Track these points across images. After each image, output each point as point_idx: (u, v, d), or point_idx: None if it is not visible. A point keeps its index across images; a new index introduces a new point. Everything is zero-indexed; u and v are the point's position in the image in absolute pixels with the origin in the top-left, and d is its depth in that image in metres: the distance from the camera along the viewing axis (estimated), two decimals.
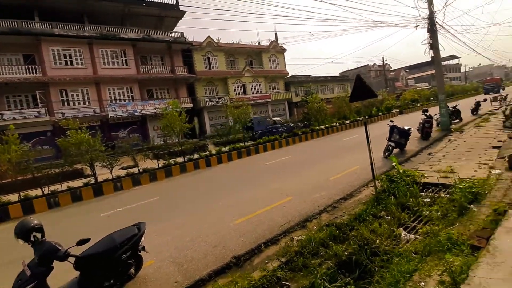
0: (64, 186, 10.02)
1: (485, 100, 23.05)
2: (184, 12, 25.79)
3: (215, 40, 28.94)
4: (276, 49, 33.93)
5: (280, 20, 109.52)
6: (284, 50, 34.72)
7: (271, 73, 33.06)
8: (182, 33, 26.18)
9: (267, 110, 32.23)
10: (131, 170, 11.84)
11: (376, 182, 5.87)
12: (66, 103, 20.58)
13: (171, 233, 5.49)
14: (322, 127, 21.89)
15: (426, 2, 13.56)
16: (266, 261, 4.01)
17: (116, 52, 22.64)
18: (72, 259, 3.06)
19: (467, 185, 4.99)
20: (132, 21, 24.34)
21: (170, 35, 25.89)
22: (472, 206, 4.32)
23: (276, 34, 34.82)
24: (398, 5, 24.20)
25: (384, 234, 4.21)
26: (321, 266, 3.58)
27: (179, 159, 13.36)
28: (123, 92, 23.02)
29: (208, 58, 28.40)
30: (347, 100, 22.38)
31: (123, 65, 22.92)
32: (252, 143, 16.74)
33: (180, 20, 27.65)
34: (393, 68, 63.87)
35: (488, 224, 3.22)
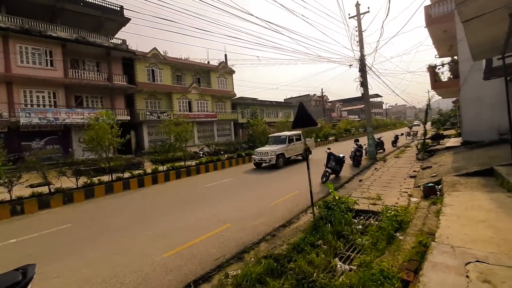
0: None
1: (402, 134, 27.25)
2: (128, 19, 24.23)
3: (162, 53, 27.79)
4: (225, 70, 34.38)
5: (229, 41, 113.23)
6: (233, 71, 35.40)
7: (218, 92, 33.06)
8: (124, 41, 24.37)
9: (213, 129, 31.71)
10: (39, 189, 9.75)
11: (314, 209, 5.90)
12: None
13: (77, 273, 4.42)
14: None
15: (358, 46, 15.66)
16: None
17: (39, 50, 19.53)
18: None
19: (392, 213, 5.35)
20: (65, 18, 21.66)
21: (110, 41, 23.77)
22: (397, 234, 4.56)
23: (226, 55, 35.57)
24: (337, 45, 27.49)
25: (321, 265, 4.10)
26: None
27: (106, 178, 11.68)
28: (43, 97, 19.75)
29: (153, 70, 26.92)
30: (290, 126, 23.58)
31: (47, 65, 19.81)
32: (193, 163, 15.90)
33: (123, 27, 25.87)
34: (329, 100, 71.15)
35: (414, 256, 3.35)
